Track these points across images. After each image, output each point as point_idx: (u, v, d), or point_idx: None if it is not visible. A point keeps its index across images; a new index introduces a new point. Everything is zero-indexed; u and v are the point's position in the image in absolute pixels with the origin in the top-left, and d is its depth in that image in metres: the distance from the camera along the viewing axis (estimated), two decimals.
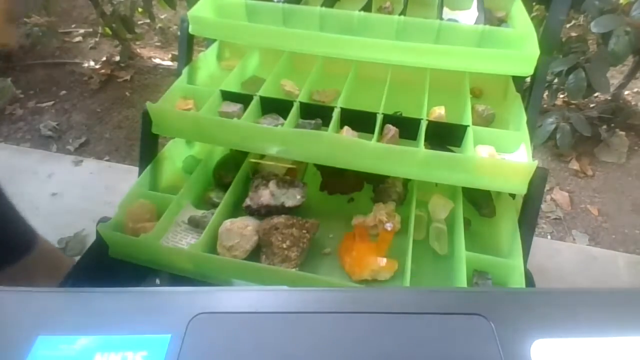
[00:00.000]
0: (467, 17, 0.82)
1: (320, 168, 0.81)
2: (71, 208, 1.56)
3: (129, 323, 0.31)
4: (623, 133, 2.07)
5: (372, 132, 0.66)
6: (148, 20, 2.59)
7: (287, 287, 0.34)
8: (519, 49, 0.67)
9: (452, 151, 0.66)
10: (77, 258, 0.68)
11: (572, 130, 1.84)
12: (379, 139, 0.66)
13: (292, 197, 0.68)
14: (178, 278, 0.66)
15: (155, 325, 0.30)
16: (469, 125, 0.67)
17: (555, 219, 1.77)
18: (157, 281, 0.73)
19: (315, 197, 0.77)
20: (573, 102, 2.18)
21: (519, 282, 0.59)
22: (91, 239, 1.45)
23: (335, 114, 0.68)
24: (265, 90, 0.73)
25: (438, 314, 0.31)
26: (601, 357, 0.29)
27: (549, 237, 1.69)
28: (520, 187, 0.60)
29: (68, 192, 1.64)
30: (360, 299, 0.33)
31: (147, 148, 0.74)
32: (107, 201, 1.57)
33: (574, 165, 1.98)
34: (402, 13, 0.73)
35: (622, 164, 2.00)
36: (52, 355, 0.29)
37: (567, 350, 0.29)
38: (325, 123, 0.69)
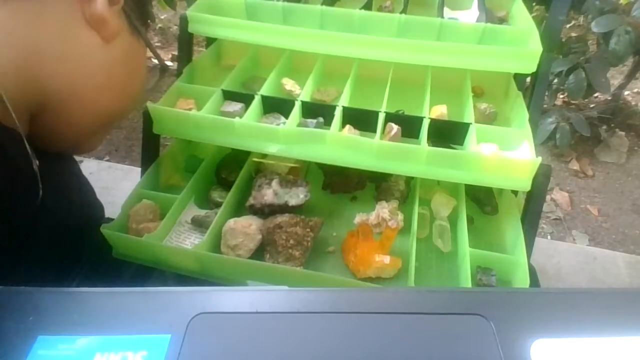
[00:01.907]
0: (468, 16, 0.82)
1: (323, 167, 0.81)
2: None
3: (129, 323, 0.31)
4: (623, 133, 2.07)
5: (374, 130, 0.66)
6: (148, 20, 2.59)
7: (287, 287, 0.34)
8: (522, 46, 0.67)
9: (455, 149, 0.66)
10: None
11: (572, 130, 1.84)
12: (382, 138, 0.66)
13: (295, 196, 0.68)
14: (181, 278, 0.66)
15: (155, 325, 0.30)
16: (471, 123, 0.67)
17: (555, 219, 1.77)
18: (164, 284, 0.73)
19: (317, 196, 0.77)
20: (573, 102, 2.18)
21: (523, 277, 0.59)
22: None
23: (337, 113, 0.68)
24: (265, 89, 0.73)
25: (437, 314, 0.31)
26: (601, 357, 0.29)
27: (549, 237, 1.69)
28: (524, 183, 0.60)
29: None
30: (359, 299, 0.33)
31: (148, 148, 0.74)
32: (107, 201, 1.56)
33: (574, 165, 1.98)
34: (403, 12, 0.73)
35: (622, 164, 2.00)
36: (52, 355, 0.29)
37: (567, 350, 0.29)
38: (327, 122, 0.69)
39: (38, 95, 0.45)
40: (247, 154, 0.77)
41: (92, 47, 0.47)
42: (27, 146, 0.43)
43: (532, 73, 0.67)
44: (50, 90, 0.45)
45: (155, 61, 2.55)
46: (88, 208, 0.60)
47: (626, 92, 2.27)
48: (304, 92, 0.74)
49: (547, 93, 1.91)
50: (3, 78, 0.41)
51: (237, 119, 0.65)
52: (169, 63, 2.54)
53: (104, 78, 0.49)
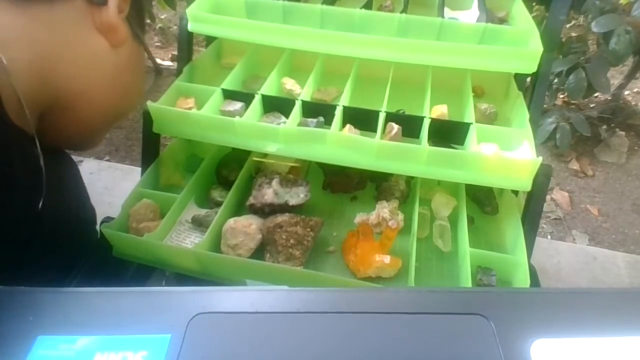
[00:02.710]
0: (468, 16, 0.82)
1: (323, 166, 0.81)
2: None
3: (129, 323, 0.31)
4: (623, 133, 2.07)
5: (375, 130, 0.66)
6: (148, 21, 2.59)
7: (287, 287, 0.34)
8: (522, 46, 0.67)
9: (455, 149, 0.66)
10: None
11: (572, 130, 1.84)
12: (382, 137, 0.66)
13: (295, 196, 0.68)
14: (181, 277, 0.66)
15: (155, 325, 0.30)
16: (472, 123, 0.67)
17: (555, 219, 1.77)
18: (164, 283, 0.73)
19: (318, 196, 0.77)
20: (573, 102, 2.18)
21: (523, 277, 0.59)
22: None
23: (338, 112, 0.68)
24: (266, 89, 0.73)
25: (438, 314, 0.31)
26: (601, 357, 0.29)
27: (549, 237, 1.69)
28: (524, 183, 0.60)
29: None
30: (359, 299, 0.33)
31: (148, 147, 0.74)
32: (107, 201, 1.57)
33: (574, 165, 1.98)
34: (403, 12, 0.73)
35: (622, 164, 2.00)
36: (52, 355, 0.29)
37: (567, 350, 0.29)
38: (328, 121, 0.69)
39: (49, 96, 0.47)
40: (247, 153, 0.77)
41: (102, 52, 0.50)
42: (38, 146, 0.45)
43: (533, 73, 0.67)
44: (61, 91, 0.48)
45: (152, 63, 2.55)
46: (83, 211, 0.61)
47: (626, 92, 2.27)
48: (304, 92, 0.74)
49: (547, 93, 1.91)
50: (19, 80, 0.43)
51: (237, 118, 0.65)
52: (169, 63, 2.54)
53: (111, 80, 0.53)
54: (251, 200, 0.68)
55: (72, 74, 0.48)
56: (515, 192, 0.74)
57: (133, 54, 0.54)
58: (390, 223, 0.65)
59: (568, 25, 2.55)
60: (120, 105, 0.57)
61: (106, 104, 0.54)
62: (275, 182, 0.68)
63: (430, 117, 0.68)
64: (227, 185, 0.74)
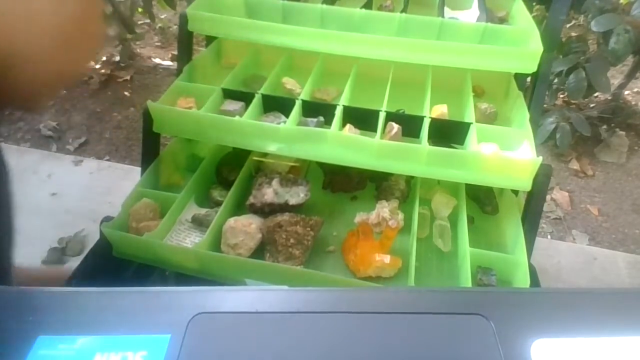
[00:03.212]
0: (468, 16, 0.82)
1: (323, 166, 0.80)
2: (71, 208, 1.56)
3: (129, 323, 0.31)
4: (623, 133, 2.07)
5: (375, 129, 0.66)
6: (148, 20, 2.59)
7: (287, 287, 0.34)
8: (522, 46, 0.67)
9: (455, 149, 0.66)
10: (76, 258, 0.68)
11: (572, 130, 1.84)
12: (382, 137, 0.66)
13: (295, 195, 0.68)
14: (182, 276, 0.66)
15: (155, 325, 0.30)
16: (472, 123, 0.67)
17: (555, 219, 1.77)
18: (167, 273, 0.73)
19: (318, 195, 0.77)
20: (573, 102, 2.18)
21: (523, 277, 0.59)
22: (91, 238, 1.46)
23: (338, 112, 0.68)
24: (266, 88, 0.73)
25: (438, 314, 0.31)
26: (601, 357, 0.29)
27: (549, 237, 1.69)
28: (524, 183, 0.60)
29: (68, 192, 1.64)
30: (360, 299, 0.33)
31: (148, 147, 0.74)
32: (107, 201, 1.57)
33: (574, 165, 1.98)
34: (403, 11, 0.73)
35: (622, 164, 2.00)
36: (52, 355, 0.29)
37: (567, 350, 0.29)
38: (328, 121, 0.69)
39: None
40: (247, 152, 0.77)
41: (44, 4, 0.44)
42: None
43: (533, 73, 0.67)
44: None
45: (156, 61, 2.55)
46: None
47: (626, 92, 2.27)
48: (304, 91, 0.74)
49: (547, 93, 1.91)
50: None
51: (237, 117, 0.65)
52: (169, 63, 2.54)
53: (56, 34, 0.46)
54: (251, 199, 0.68)
55: (8, 28, 0.42)
56: (515, 192, 0.74)
57: (84, 4, 0.47)
58: (390, 223, 0.65)
59: (568, 25, 2.55)
60: (69, 62, 0.50)
61: (51, 61, 0.47)
62: (275, 182, 0.68)
63: (430, 117, 0.68)
64: (227, 184, 0.74)
